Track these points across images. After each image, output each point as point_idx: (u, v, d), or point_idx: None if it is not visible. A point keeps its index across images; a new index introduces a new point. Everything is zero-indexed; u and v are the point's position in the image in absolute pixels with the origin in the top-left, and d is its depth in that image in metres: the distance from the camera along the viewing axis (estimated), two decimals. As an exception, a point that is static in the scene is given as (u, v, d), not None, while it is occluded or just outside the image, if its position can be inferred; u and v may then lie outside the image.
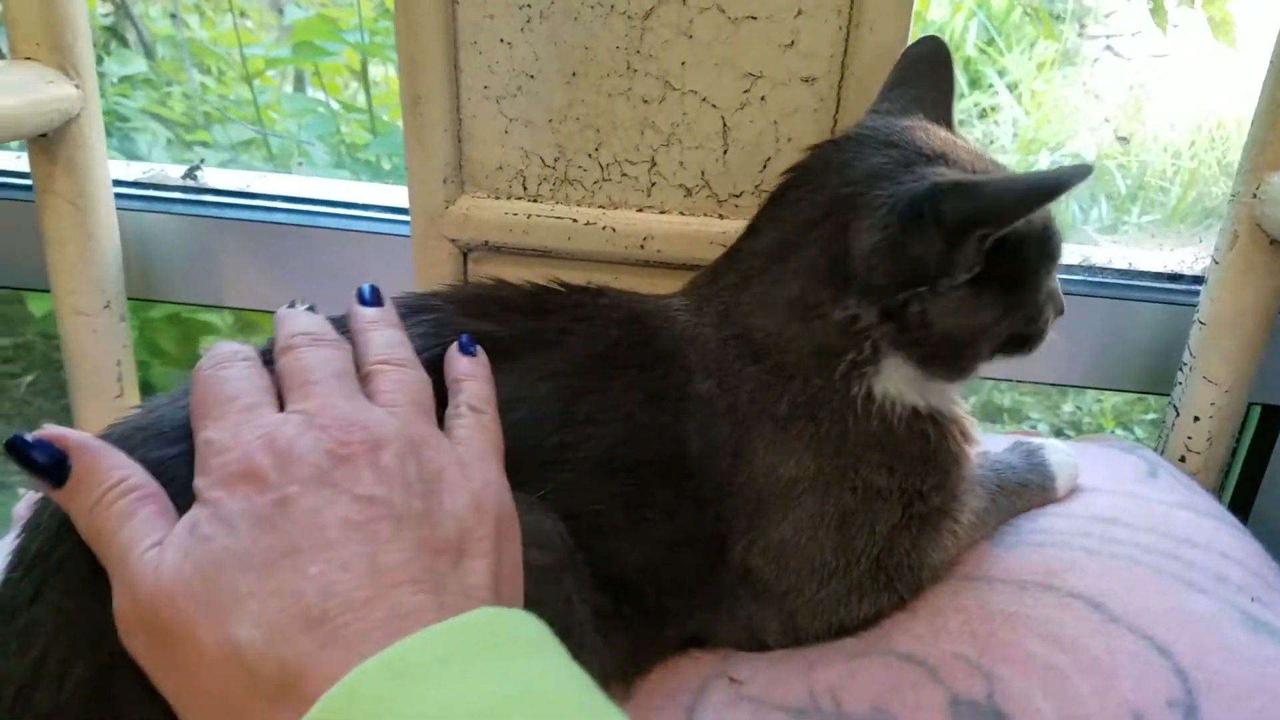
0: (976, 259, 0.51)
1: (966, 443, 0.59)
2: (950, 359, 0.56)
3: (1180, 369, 0.80)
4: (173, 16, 1.29)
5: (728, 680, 0.54)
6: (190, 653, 0.35)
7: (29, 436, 0.39)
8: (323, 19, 1.22)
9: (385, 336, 0.47)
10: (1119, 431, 1.29)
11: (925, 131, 0.57)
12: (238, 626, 0.34)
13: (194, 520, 0.37)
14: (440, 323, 0.52)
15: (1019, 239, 0.53)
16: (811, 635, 0.57)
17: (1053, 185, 0.49)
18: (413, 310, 0.52)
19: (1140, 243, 0.95)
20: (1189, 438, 0.79)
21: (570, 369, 0.52)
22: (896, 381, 0.55)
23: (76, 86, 0.76)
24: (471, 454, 0.43)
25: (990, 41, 1.33)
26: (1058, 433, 1.31)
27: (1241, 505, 0.90)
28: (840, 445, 0.54)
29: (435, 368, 0.48)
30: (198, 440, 0.41)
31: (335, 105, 1.31)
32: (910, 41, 0.66)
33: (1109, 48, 1.27)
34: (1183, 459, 0.80)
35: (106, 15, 1.29)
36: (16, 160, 0.92)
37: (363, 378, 0.44)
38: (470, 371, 0.48)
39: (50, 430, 0.40)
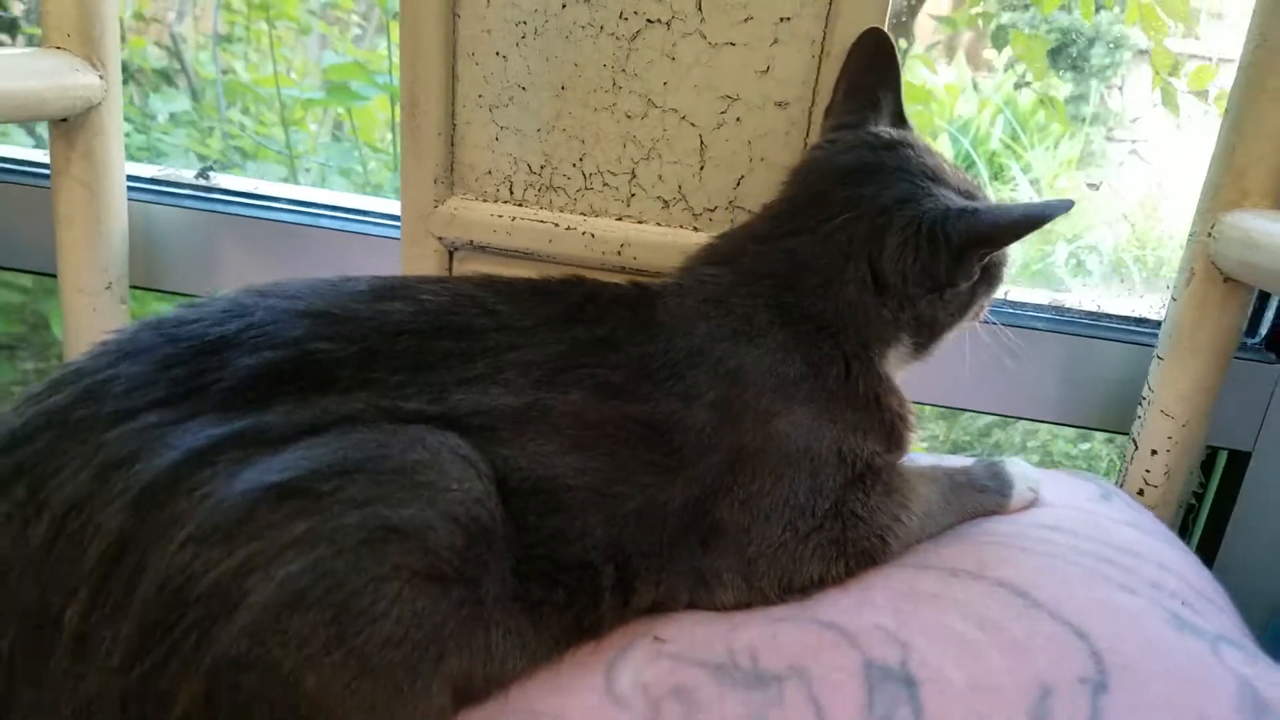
0: (975, 271, 0.64)
1: (910, 429, 0.65)
2: (934, 341, 0.67)
3: (1140, 403, 0.81)
4: (224, 73, 1.37)
5: (652, 639, 0.55)
6: None
7: None
8: (356, 65, 1.29)
9: None
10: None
11: (915, 150, 0.66)
12: None
13: None
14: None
15: (1000, 256, 0.66)
16: (762, 586, 0.58)
17: (1039, 215, 0.59)
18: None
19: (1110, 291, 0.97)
20: (1147, 470, 0.80)
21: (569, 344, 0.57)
22: (894, 363, 0.66)
23: (101, 78, 0.82)
24: None
25: (1015, 137, 1.38)
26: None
27: (1209, 550, 0.90)
28: (838, 408, 0.61)
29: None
30: None
31: (369, 153, 1.38)
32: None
33: (1134, 152, 1.31)
34: (1141, 492, 0.80)
35: (159, 60, 1.38)
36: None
37: None
38: None
39: None
